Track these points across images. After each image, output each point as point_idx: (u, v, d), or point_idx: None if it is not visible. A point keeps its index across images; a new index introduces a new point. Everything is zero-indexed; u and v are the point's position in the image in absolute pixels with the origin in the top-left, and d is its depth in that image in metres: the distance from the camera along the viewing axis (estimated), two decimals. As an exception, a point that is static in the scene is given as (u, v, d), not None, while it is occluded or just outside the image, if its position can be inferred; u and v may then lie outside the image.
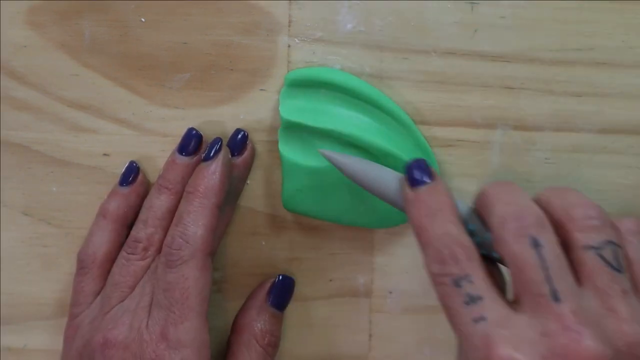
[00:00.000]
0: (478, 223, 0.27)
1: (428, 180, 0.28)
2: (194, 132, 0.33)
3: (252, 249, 0.35)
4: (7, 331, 0.35)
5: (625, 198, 0.34)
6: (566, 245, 0.25)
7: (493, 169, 0.34)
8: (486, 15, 0.32)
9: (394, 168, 0.32)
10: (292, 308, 0.35)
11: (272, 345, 0.33)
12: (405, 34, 0.32)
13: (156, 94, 0.33)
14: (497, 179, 0.29)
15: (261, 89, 0.33)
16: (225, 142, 0.33)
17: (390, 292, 0.35)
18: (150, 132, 0.34)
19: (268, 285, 0.34)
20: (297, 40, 0.33)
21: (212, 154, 0.32)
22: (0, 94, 0.34)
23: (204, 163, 0.32)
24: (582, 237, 0.25)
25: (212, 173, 0.31)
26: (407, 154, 0.32)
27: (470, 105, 0.33)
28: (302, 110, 0.32)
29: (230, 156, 0.32)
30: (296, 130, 0.32)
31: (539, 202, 0.27)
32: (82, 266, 0.33)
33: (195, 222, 0.30)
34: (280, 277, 0.34)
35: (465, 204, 0.28)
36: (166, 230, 0.32)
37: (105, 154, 0.34)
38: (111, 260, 0.33)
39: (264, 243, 0.35)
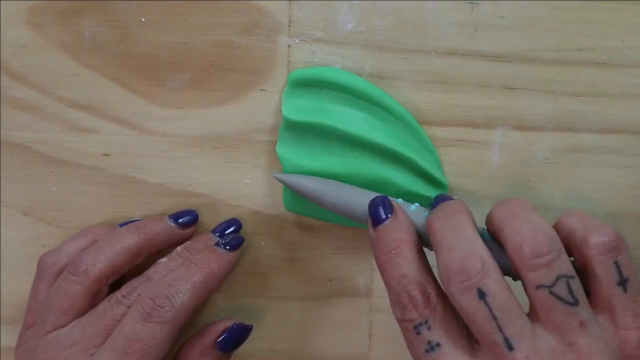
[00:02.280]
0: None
1: (385, 217, 0.28)
2: (193, 213, 0.33)
3: (252, 249, 0.35)
4: (7, 331, 0.35)
5: (625, 198, 0.34)
6: (521, 279, 0.25)
7: (493, 169, 0.34)
8: (486, 15, 0.32)
9: (400, 167, 0.32)
10: (292, 308, 0.35)
11: None
12: (405, 34, 0.32)
13: (156, 94, 0.33)
14: (442, 208, 0.28)
15: (261, 89, 0.33)
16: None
17: (390, 292, 0.35)
18: (150, 132, 0.34)
19: (220, 329, 0.32)
20: (297, 40, 0.33)
21: (235, 246, 0.32)
22: (0, 94, 0.34)
23: (223, 250, 0.32)
24: (532, 277, 0.25)
25: (226, 263, 0.31)
26: (412, 153, 0.32)
27: (470, 105, 0.33)
28: (305, 110, 0.32)
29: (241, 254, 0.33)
30: (298, 130, 0.32)
31: (491, 224, 0.27)
32: (40, 269, 0.32)
33: (188, 293, 0.29)
34: (237, 324, 0.32)
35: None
36: (115, 265, 0.31)
37: (105, 154, 0.34)
38: None
39: (263, 243, 0.35)
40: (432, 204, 0.29)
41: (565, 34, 0.32)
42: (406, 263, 0.26)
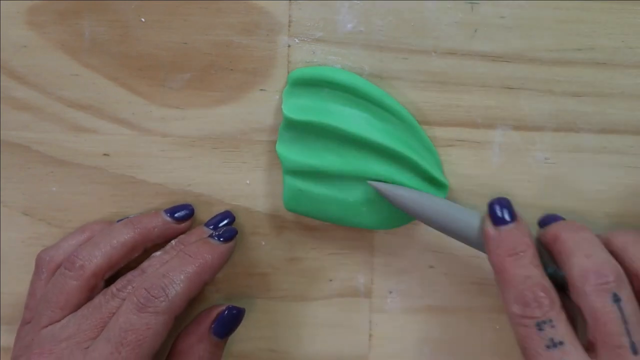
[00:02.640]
0: (553, 265, 0.29)
1: (510, 220, 0.29)
2: (188, 208, 0.34)
3: (252, 249, 0.35)
4: (7, 331, 0.35)
5: (625, 198, 0.34)
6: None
7: (493, 169, 0.34)
8: (486, 15, 0.32)
9: (400, 167, 0.32)
10: (292, 308, 0.35)
11: None
12: (405, 34, 0.32)
13: (156, 94, 0.33)
14: (568, 223, 0.30)
15: (261, 89, 0.33)
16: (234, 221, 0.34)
17: (390, 292, 0.35)
18: (150, 132, 0.34)
19: (214, 312, 0.32)
20: (297, 40, 0.33)
21: (228, 238, 0.32)
22: (0, 94, 0.34)
23: (217, 241, 0.32)
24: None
25: (220, 254, 0.31)
26: (412, 152, 0.32)
27: (470, 105, 0.33)
28: (305, 109, 0.32)
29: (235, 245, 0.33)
30: (298, 129, 0.32)
31: (612, 248, 0.28)
32: (37, 266, 0.32)
33: (182, 283, 0.30)
34: (230, 307, 0.32)
35: (540, 245, 0.29)
36: (111, 259, 0.31)
37: (105, 154, 0.34)
38: None
39: (264, 243, 0.35)
40: (542, 221, 0.31)
41: (565, 34, 0.32)
42: (532, 267, 0.28)
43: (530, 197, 0.33)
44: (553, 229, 0.29)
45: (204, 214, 0.34)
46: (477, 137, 0.33)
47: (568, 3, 0.32)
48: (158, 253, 0.32)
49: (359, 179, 0.32)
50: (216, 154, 0.34)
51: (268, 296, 0.35)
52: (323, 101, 0.32)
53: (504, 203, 0.29)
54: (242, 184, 0.34)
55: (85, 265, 0.31)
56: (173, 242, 0.33)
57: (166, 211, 0.33)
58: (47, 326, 0.30)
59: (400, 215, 0.33)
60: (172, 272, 0.30)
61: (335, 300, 0.35)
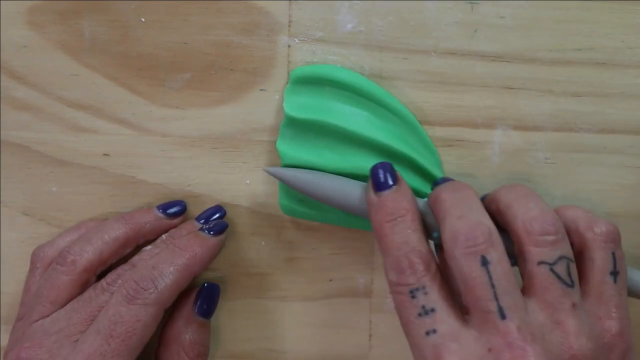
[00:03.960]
0: (434, 222, 0.28)
1: (392, 184, 0.28)
2: (180, 204, 0.34)
3: (252, 249, 0.35)
4: (7, 331, 0.35)
5: (625, 198, 0.34)
6: (520, 255, 0.26)
7: (493, 169, 0.34)
8: (486, 15, 0.32)
9: (401, 166, 0.32)
10: (292, 308, 0.35)
11: (202, 355, 0.32)
12: (405, 34, 0.32)
13: (156, 94, 0.33)
14: (452, 183, 0.28)
15: (261, 89, 0.33)
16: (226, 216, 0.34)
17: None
18: (150, 132, 0.34)
19: (193, 294, 0.33)
20: (297, 40, 0.33)
21: (218, 231, 0.32)
22: (0, 94, 0.34)
23: (207, 235, 0.32)
24: (536, 252, 0.26)
25: (210, 247, 0.32)
26: (412, 152, 0.32)
27: (470, 105, 0.33)
28: (306, 107, 0.32)
29: (225, 239, 0.33)
30: (299, 127, 0.32)
31: (496, 203, 0.28)
32: (32, 262, 0.33)
33: (172, 275, 0.30)
34: (205, 285, 0.33)
35: (426, 205, 0.28)
36: (102, 254, 0.31)
37: (105, 154, 0.34)
38: None
39: (263, 243, 0.35)
40: (436, 182, 0.29)
41: (565, 34, 0.32)
42: (410, 232, 0.27)
43: (530, 197, 0.33)
44: (436, 190, 0.28)
45: (204, 214, 0.34)
46: (477, 137, 0.33)
47: (568, 3, 0.32)
48: (148, 247, 0.33)
49: (359, 177, 0.32)
50: (216, 154, 0.34)
51: (268, 296, 0.35)
52: (324, 99, 0.32)
53: (386, 167, 0.28)
54: (242, 184, 0.34)
55: (77, 260, 0.31)
56: (164, 236, 0.33)
57: (159, 207, 0.33)
58: (37, 320, 0.30)
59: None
60: (162, 265, 0.30)
61: (335, 300, 0.35)
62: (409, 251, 0.26)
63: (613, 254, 0.27)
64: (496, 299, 0.24)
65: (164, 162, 0.34)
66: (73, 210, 0.35)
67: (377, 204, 0.28)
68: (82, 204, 0.34)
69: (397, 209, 0.27)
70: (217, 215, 0.34)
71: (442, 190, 0.28)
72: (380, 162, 0.29)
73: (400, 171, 0.32)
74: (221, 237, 0.32)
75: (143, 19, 0.33)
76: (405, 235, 0.27)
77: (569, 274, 0.26)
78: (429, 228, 0.28)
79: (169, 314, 0.32)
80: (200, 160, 0.34)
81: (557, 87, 0.33)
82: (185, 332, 0.32)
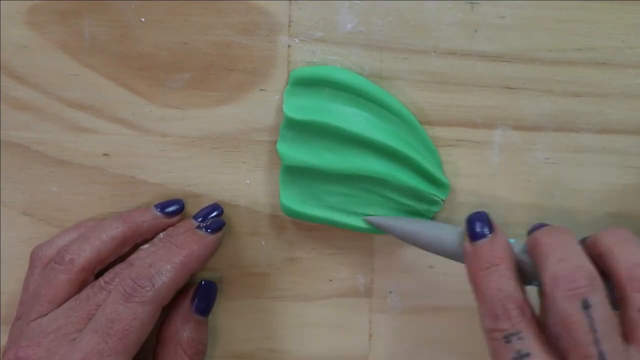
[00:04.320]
0: (533, 269, 0.28)
1: (488, 233, 0.28)
2: (178, 203, 0.34)
3: (252, 249, 0.35)
4: (7, 331, 0.35)
5: (625, 198, 0.34)
6: (621, 300, 0.26)
7: (493, 169, 0.34)
8: (486, 15, 0.32)
9: (401, 166, 0.32)
10: (292, 308, 0.35)
11: (200, 353, 0.32)
12: (405, 34, 0.32)
13: (156, 94, 0.33)
14: (550, 228, 0.28)
15: (261, 89, 0.33)
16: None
17: (390, 292, 0.35)
18: (150, 132, 0.34)
19: (191, 291, 0.33)
20: (297, 40, 0.33)
21: (216, 229, 0.32)
22: (1, 94, 0.34)
23: (204, 232, 0.32)
24: (639, 298, 0.26)
25: (207, 245, 0.32)
26: (412, 152, 0.32)
27: (470, 105, 0.33)
28: (306, 108, 0.32)
29: (223, 237, 0.33)
30: (299, 128, 0.32)
31: (597, 247, 0.27)
32: (31, 261, 0.33)
33: (169, 273, 0.30)
34: (202, 282, 0.33)
35: (523, 252, 0.29)
36: (100, 253, 0.31)
37: (105, 154, 0.34)
38: None
39: (263, 243, 0.35)
40: (534, 228, 0.29)
41: (565, 34, 0.32)
42: (504, 279, 0.27)
43: (530, 197, 0.33)
44: (534, 235, 0.28)
45: (204, 214, 0.34)
46: (477, 137, 0.33)
47: (568, 3, 0.32)
48: (146, 246, 0.33)
49: (359, 178, 0.32)
50: (216, 154, 0.34)
51: (268, 296, 0.35)
52: (324, 100, 0.32)
53: (482, 217, 0.29)
54: (242, 184, 0.34)
55: (75, 260, 0.31)
56: (161, 234, 0.33)
57: (156, 206, 0.33)
58: (35, 319, 0.30)
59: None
60: (159, 262, 0.30)
61: (335, 300, 0.35)
62: (503, 298, 0.26)
63: None
64: (596, 343, 0.24)
65: (164, 162, 0.34)
66: (73, 210, 0.35)
67: (472, 253, 0.28)
68: (82, 204, 0.34)
69: (492, 257, 0.28)
70: (214, 213, 0.34)
71: (541, 235, 0.28)
72: (476, 212, 0.29)
73: (401, 171, 0.32)
74: (218, 234, 0.32)
75: (143, 19, 0.33)
76: (500, 283, 0.27)
77: None
78: (527, 275, 0.28)
79: (166, 311, 0.32)
80: (200, 160, 0.34)
81: (557, 87, 0.33)
82: (182, 329, 0.32)
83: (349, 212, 0.33)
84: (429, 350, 0.35)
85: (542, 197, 0.34)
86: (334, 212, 0.33)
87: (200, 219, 0.33)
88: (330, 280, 0.35)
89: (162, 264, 0.30)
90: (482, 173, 0.34)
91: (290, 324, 0.35)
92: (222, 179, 0.34)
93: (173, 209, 0.33)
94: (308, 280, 0.35)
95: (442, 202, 0.33)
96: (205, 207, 0.34)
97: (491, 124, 0.33)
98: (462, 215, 0.33)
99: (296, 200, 0.33)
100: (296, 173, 0.32)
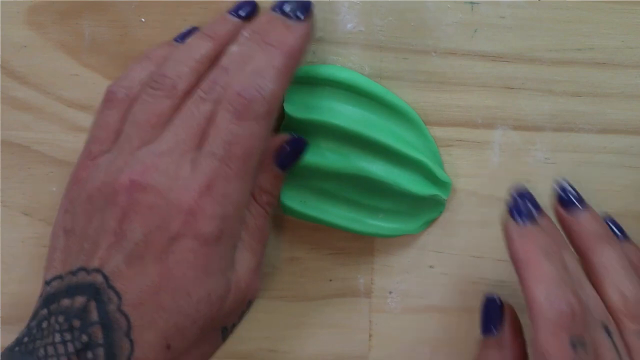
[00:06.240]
0: None
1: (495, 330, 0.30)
2: (253, 2, 0.30)
3: (252, 249, 0.35)
4: (7, 331, 0.35)
5: (625, 198, 0.34)
6: (617, 326, 0.26)
7: (493, 169, 0.34)
8: (486, 15, 0.32)
9: (403, 166, 0.32)
10: (292, 308, 0.35)
11: (270, 204, 0.30)
12: (405, 34, 0.32)
13: (156, 94, 0.33)
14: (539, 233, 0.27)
15: (261, 89, 0.33)
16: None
17: (390, 292, 0.35)
18: (150, 132, 0.34)
19: (278, 142, 0.30)
20: (297, 40, 0.33)
21: (306, 10, 0.28)
22: (0, 94, 0.34)
23: (292, 21, 0.28)
24: (633, 325, 0.26)
25: (304, 35, 0.28)
26: (414, 151, 0.32)
27: (470, 105, 0.33)
28: (307, 107, 0.32)
29: (315, 24, 0.29)
30: (300, 127, 0.32)
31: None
32: (110, 99, 0.29)
33: (276, 79, 0.27)
34: (295, 137, 0.30)
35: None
36: (199, 74, 0.28)
37: (105, 154, 0.34)
38: None
39: (264, 243, 0.35)
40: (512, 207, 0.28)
41: (565, 34, 0.32)
42: None
43: (530, 197, 0.33)
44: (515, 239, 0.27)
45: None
46: (477, 137, 0.33)
47: (568, 3, 0.32)
48: (234, 47, 0.28)
49: (361, 177, 0.32)
50: (216, 154, 0.34)
51: (268, 296, 0.35)
52: (325, 99, 0.32)
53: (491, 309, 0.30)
54: (242, 184, 0.34)
55: (177, 83, 0.28)
56: (246, 33, 0.29)
57: (231, 12, 0.30)
58: (140, 148, 0.27)
59: (399, 224, 0.33)
60: (262, 69, 0.27)
61: (335, 300, 0.35)
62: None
63: None
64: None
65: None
66: (73, 210, 0.35)
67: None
68: (82, 204, 0.34)
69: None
70: (309, 5, 0.29)
71: (522, 250, 0.27)
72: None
73: (402, 171, 0.32)
74: (310, 20, 0.28)
75: (143, 19, 0.33)
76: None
77: None
78: None
79: None
80: (200, 160, 0.34)
81: (557, 87, 0.33)
82: (259, 178, 0.29)
83: (349, 213, 0.33)
84: (429, 350, 0.35)
85: (542, 197, 0.33)
86: (334, 213, 0.33)
87: (278, 7, 0.29)
88: (330, 280, 0.35)
89: (266, 70, 0.27)
90: (482, 173, 0.34)
91: (290, 324, 0.35)
92: (222, 179, 0.34)
93: (248, 9, 0.30)
94: (308, 280, 0.35)
95: (444, 201, 0.33)
96: None
97: (491, 124, 0.33)
98: (463, 216, 0.34)
99: (296, 200, 0.33)
100: (296, 173, 0.32)
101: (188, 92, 0.28)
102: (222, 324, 0.29)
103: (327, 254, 0.35)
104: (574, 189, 0.29)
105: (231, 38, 0.29)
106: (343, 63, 0.33)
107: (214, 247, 0.26)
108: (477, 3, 0.32)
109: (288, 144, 0.30)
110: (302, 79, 0.32)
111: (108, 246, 0.26)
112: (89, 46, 0.33)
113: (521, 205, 0.27)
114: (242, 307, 0.29)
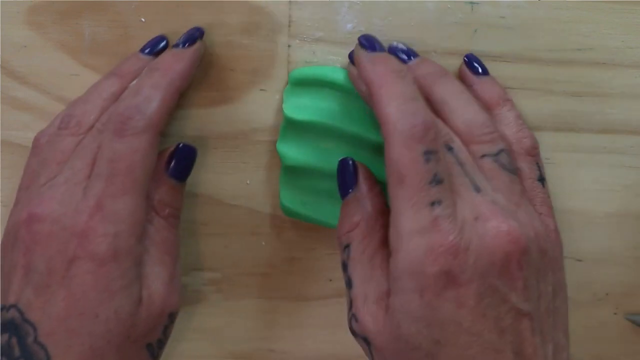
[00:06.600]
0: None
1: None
2: (163, 39, 0.32)
3: (252, 249, 0.35)
4: (7, 331, 0.35)
5: (625, 198, 0.34)
6: (469, 152, 0.28)
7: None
8: (486, 15, 0.32)
9: None
10: (292, 308, 0.35)
11: (173, 216, 0.31)
12: (405, 34, 0.32)
13: (156, 94, 0.33)
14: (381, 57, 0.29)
15: (261, 89, 0.33)
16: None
17: (390, 292, 0.35)
18: (150, 132, 0.34)
19: (166, 154, 0.31)
20: (297, 40, 0.33)
21: (188, 42, 0.31)
22: (0, 94, 0.34)
23: (180, 48, 0.31)
24: (480, 148, 0.28)
25: (188, 59, 0.30)
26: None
27: (470, 105, 0.33)
28: (306, 109, 0.32)
29: (203, 50, 0.32)
30: (299, 128, 0.32)
31: (430, 96, 0.30)
32: (34, 146, 0.31)
33: (153, 96, 0.28)
34: (181, 145, 0.31)
35: None
36: (102, 111, 0.30)
37: (105, 154, 0.34)
38: None
39: (263, 243, 0.35)
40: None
41: (565, 34, 0.32)
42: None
43: (530, 197, 0.33)
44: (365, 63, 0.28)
45: (205, 214, 0.34)
46: (477, 137, 0.33)
47: (568, 3, 0.32)
48: (134, 81, 0.31)
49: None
50: (216, 154, 0.34)
51: (268, 296, 0.35)
52: (324, 100, 0.32)
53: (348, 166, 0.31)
54: (242, 184, 0.34)
55: (81, 121, 0.30)
56: (147, 68, 0.31)
57: (143, 50, 0.32)
58: (45, 184, 0.29)
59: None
60: (143, 89, 0.29)
61: (335, 300, 0.35)
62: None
63: (537, 164, 0.30)
64: (468, 175, 0.27)
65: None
66: (73, 210, 0.35)
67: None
68: (82, 204, 0.34)
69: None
70: (197, 34, 0.32)
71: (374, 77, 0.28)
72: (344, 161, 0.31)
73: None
74: (196, 46, 0.31)
75: (143, 19, 0.33)
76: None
77: (511, 163, 0.28)
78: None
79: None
80: (200, 160, 0.34)
81: (557, 87, 0.33)
82: (154, 192, 0.30)
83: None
84: (429, 350, 0.35)
85: (542, 197, 0.33)
86: (334, 213, 0.33)
87: (175, 44, 0.32)
88: (330, 280, 0.35)
89: (147, 90, 0.28)
90: (482, 173, 0.34)
91: (290, 324, 0.35)
92: (222, 179, 0.34)
93: (162, 46, 0.32)
94: (308, 280, 0.35)
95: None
96: (183, 34, 0.32)
97: (491, 124, 0.33)
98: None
99: (296, 201, 0.33)
100: (296, 173, 0.32)
101: (91, 128, 0.30)
102: (145, 341, 0.29)
103: (327, 254, 0.35)
104: (404, 44, 0.32)
105: (137, 74, 0.31)
106: (343, 63, 0.33)
107: (112, 265, 0.27)
108: (477, 3, 0.32)
109: (175, 154, 0.31)
110: (300, 81, 0.32)
111: (19, 281, 0.27)
112: (89, 46, 0.33)
113: (371, 38, 0.29)
114: (163, 321, 0.29)
